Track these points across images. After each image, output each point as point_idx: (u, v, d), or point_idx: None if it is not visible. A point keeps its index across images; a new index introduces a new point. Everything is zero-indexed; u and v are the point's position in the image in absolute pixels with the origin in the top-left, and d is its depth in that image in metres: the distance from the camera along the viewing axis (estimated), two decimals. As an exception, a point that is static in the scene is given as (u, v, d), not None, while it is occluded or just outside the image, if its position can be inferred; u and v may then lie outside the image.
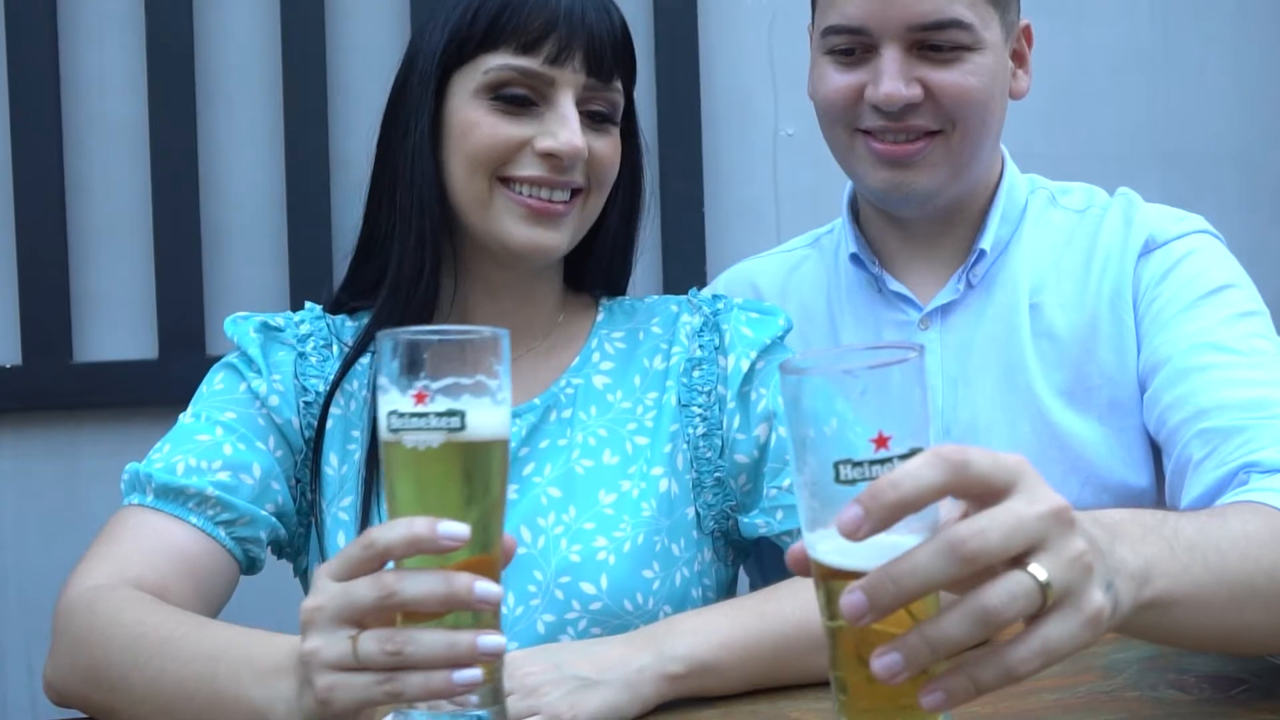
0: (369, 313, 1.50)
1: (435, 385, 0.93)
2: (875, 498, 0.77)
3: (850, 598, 0.78)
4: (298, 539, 1.46)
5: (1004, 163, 1.72)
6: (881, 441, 0.80)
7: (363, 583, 0.94)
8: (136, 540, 1.32)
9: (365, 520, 1.40)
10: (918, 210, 1.64)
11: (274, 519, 1.40)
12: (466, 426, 0.93)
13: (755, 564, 1.67)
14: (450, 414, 0.93)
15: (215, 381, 1.46)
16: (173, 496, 1.34)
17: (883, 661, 0.78)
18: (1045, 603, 0.78)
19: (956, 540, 0.77)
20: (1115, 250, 1.64)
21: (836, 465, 0.80)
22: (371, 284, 1.48)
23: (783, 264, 1.85)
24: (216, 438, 1.39)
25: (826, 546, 0.82)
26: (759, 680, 1.21)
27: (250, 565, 1.40)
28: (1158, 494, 1.58)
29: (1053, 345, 1.63)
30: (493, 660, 0.95)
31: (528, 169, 1.39)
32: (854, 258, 1.72)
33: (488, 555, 0.96)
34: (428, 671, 0.92)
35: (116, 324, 2.63)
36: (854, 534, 0.77)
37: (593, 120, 1.42)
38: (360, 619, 0.94)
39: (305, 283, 2.55)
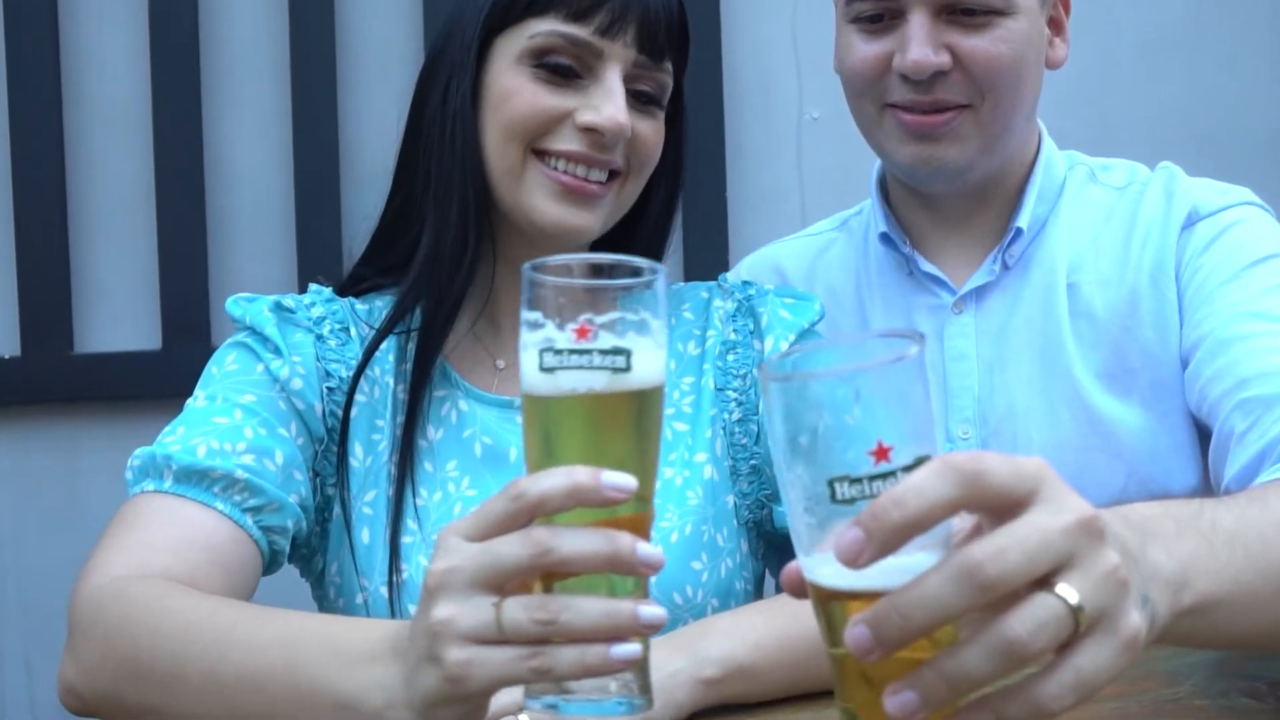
0: (384, 294, 1.44)
1: (600, 320, 0.84)
2: (877, 519, 0.69)
3: (854, 632, 0.70)
4: (314, 538, 1.38)
5: (1041, 137, 1.67)
6: (881, 453, 0.71)
7: (510, 540, 0.83)
8: (159, 528, 1.21)
9: (399, 513, 1.33)
10: (949, 186, 1.58)
11: (299, 510, 1.31)
12: (632, 367, 0.83)
13: (779, 563, 1.59)
14: (616, 352, 0.83)
15: (227, 362, 1.36)
16: (196, 480, 1.24)
17: (897, 701, 0.70)
18: (1077, 629, 0.70)
19: (972, 565, 0.68)
20: (1157, 224, 1.58)
21: (832, 483, 0.72)
22: (403, 258, 1.41)
23: (809, 247, 1.80)
24: (236, 420, 1.29)
25: (826, 570, 0.74)
26: (800, 684, 1.14)
27: (272, 560, 1.31)
28: (1206, 491, 1.50)
29: (1091, 325, 1.57)
30: (651, 634, 0.85)
31: (565, 143, 1.34)
32: (884, 237, 1.66)
33: (644, 514, 0.87)
34: (583, 645, 0.82)
35: (118, 314, 2.58)
36: (854, 561, 0.69)
37: (638, 100, 1.37)
38: (504, 582, 0.84)
39: (314, 271, 2.47)
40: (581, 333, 0.83)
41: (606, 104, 1.32)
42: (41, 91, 2.52)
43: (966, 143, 1.52)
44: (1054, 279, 1.59)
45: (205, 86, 2.56)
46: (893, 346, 0.72)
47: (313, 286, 1.46)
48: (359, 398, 1.37)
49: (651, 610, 0.83)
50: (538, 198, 1.34)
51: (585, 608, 0.82)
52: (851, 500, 0.71)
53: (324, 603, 1.41)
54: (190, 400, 1.34)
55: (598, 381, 0.83)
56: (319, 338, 1.38)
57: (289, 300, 1.40)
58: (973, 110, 1.51)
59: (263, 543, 1.27)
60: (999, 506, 0.71)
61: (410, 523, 1.33)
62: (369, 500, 1.36)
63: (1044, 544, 0.69)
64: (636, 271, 0.86)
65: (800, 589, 0.77)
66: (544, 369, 0.83)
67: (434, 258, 1.36)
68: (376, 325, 1.40)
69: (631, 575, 0.84)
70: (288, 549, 1.32)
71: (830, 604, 0.75)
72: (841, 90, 1.62)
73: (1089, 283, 1.58)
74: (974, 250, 1.63)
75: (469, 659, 0.83)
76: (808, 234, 1.84)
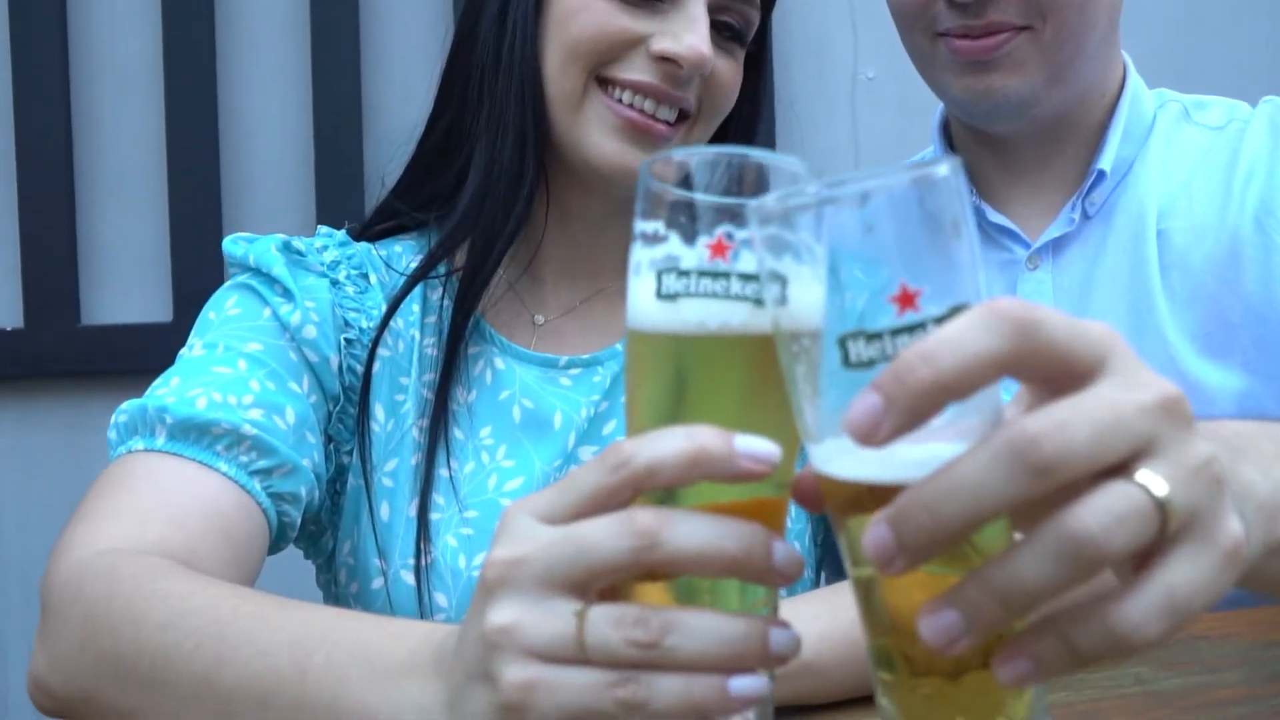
0: (404, 238, 1.31)
1: (742, 235, 0.64)
2: (899, 379, 0.54)
3: (872, 534, 0.55)
4: (324, 512, 1.24)
5: (1126, 70, 1.52)
6: (906, 299, 0.56)
7: (604, 525, 0.62)
8: (153, 493, 1.04)
9: (428, 485, 1.20)
10: (1015, 123, 1.43)
11: (313, 476, 1.16)
12: (788, 300, 0.61)
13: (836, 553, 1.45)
14: (765, 278, 0.62)
15: (228, 306, 1.21)
16: (196, 436, 1.08)
17: (934, 623, 0.55)
18: (1164, 530, 0.54)
19: (1023, 441, 0.53)
20: (1262, 161, 1.43)
21: (844, 341, 0.57)
22: (447, 191, 1.28)
23: (865, 201, 1.62)
24: (240, 371, 1.14)
25: (843, 460, 0.58)
26: (870, 683, 0.96)
27: (279, 535, 1.15)
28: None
29: (1185, 279, 1.42)
30: (782, 666, 0.65)
31: (635, 72, 1.20)
32: (947, 186, 1.49)
33: (779, 500, 0.67)
34: (691, 675, 0.62)
35: (127, 284, 2.50)
36: (871, 435, 0.54)
37: (720, 33, 1.23)
38: (590, 582, 0.63)
39: (333, 239, 2.39)
40: (717, 249, 0.64)
41: (688, 32, 1.18)
42: (46, 48, 2.43)
43: (1028, 70, 1.36)
44: (1142, 228, 1.43)
45: (220, 41, 2.47)
46: (914, 169, 0.57)
47: (322, 229, 1.31)
48: (382, 352, 1.24)
49: (786, 635, 0.63)
50: (596, 132, 1.21)
51: (701, 628, 0.62)
52: (869, 363, 0.56)
53: (333, 588, 1.27)
54: (184, 350, 1.19)
55: (735, 315, 0.64)
56: (334, 283, 1.23)
57: (298, 242, 1.25)
58: (1033, 32, 1.35)
59: (271, 513, 1.11)
60: (1057, 373, 0.56)
61: (438, 497, 1.20)
62: (389, 470, 1.22)
63: (1117, 421, 0.54)
64: (794, 176, 0.66)
65: (814, 496, 0.62)
66: (663, 295, 0.64)
67: (485, 191, 1.22)
68: (400, 270, 1.27)
69: (762, 584, 0.66)
70: (298, 521, 1.16)
71: (848, 508, 0.60)
72: (899, 50, 1.48)
73: (1182, 230, 1.42)
74: (1050, 198, 1.48)
75: (534, 681, 0.63)
76: (864, 187, 1.69)
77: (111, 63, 2.49)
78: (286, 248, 1.23)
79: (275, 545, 1.16)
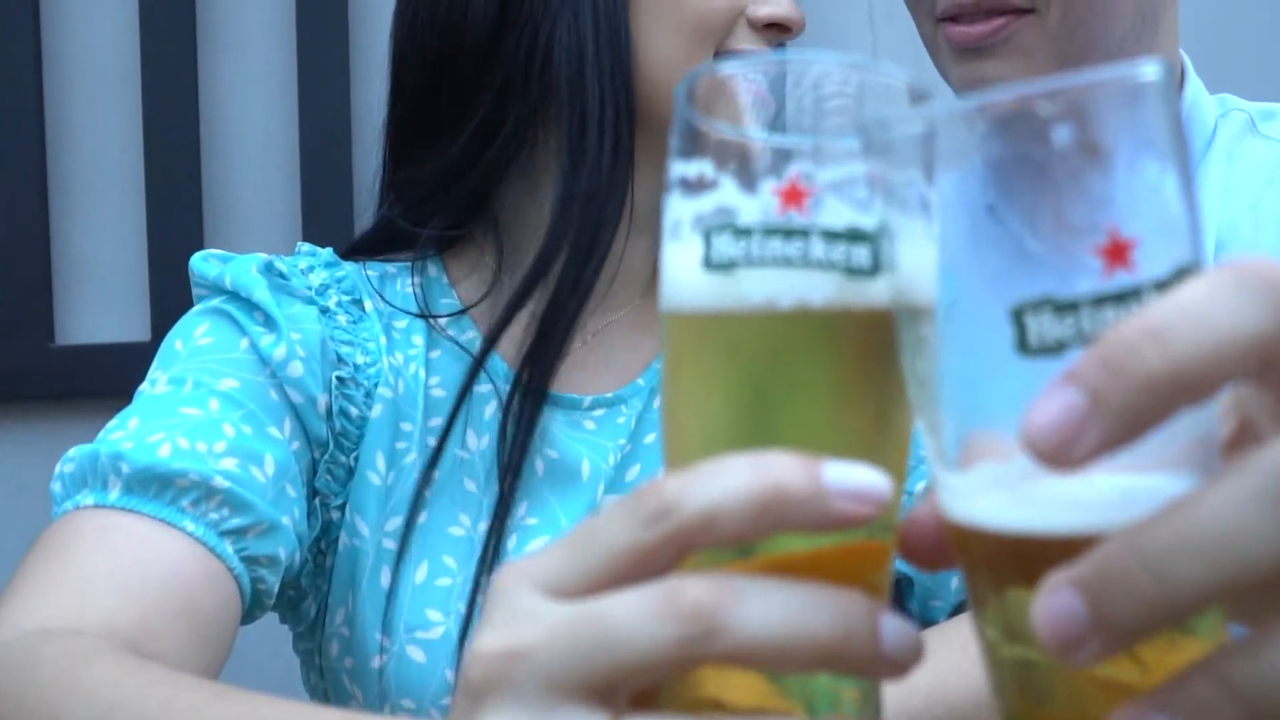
0: (397, 259, 1.18)
1: (825, 176, 0.47)
2: (1115, 367, 0.36)
3: (1054, 603, 0.38)
4: (304, 576, 1.10)
5: (1184, 74, 1.38)
6: (1117, 252, 0.38)
7: (637, 603, 0.43)
8: (102, 557, 0.91)
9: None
10: None
11: (294, 537, 1.01)
12: (898, 265, 0.44)
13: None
14: (858, 237, 0.46)
15: (198, 334, 1.07)
16: (156, 489, 0.94)
17: None
18: None
19: None
20: None
21: (1020, 315, 0.39)
22: (471, 205, 1.16)
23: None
24: (212, 413, 0.99)
25: (998, 499, 0.41)
26: None
27: (255, 604, 1.00)
28: None
29: None
30: None
31: (745, 43, 1.13)
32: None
33: (881, 543, 0.49)
34: None
35: (104, 301, 2.39)
36: (1068, 450, 0.37)
37: None
38: (619, 684, 0.44)
39: (321, 252, 2.28)
40: (790, 197, 0.46)
41: None
42: (17, 50, 2.32)
43: (1032, 59, 1.19)
44: None
45: (201, 46, 2.36)
46: (1111, 70, 0.39)
47: (303, 246, 1.17)
48: (382, 391, 1.09)
49: None
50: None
51: None
52: (1059, 347, 0.39)
53: (317, 658, 1.13)
54: (144, 385, 1.05)
55: (818, 289, 0.46)
56: (324, 311, 1.09)
57: (280, 263, 1.11)
58: (1037, 16, 1.18)
59: (244, 579, 0.97)
60: None
61: (448, 559, 1.07)
62: (390, 531, 1.08)
63: None
64: (892, 92, 0.49)
65: (933, 547, 0.46)
66: (714, 264, 0.47)
67: (571, 203, 1.09)
68: (395, 302, 1.13)
69: (864, 676, 0.49)
70: (275, 589, 1.02)
71: (1005, 567, 0.43)
72: (922, 48, 1.33)
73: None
74: None
75: None
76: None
77: (86, 64, 2.39)
78: (269, 269, 1.09)
79: (249, 615, 1.01)
